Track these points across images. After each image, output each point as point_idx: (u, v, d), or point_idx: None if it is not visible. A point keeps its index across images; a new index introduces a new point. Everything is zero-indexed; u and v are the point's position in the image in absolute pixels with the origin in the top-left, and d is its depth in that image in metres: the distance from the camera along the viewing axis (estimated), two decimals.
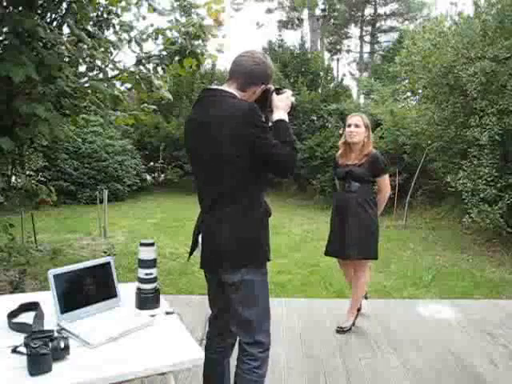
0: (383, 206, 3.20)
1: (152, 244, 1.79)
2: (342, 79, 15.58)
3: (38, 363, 1.26)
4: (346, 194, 3.10)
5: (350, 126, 3.08)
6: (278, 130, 1.68)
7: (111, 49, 4.07)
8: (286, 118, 1.73)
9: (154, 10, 3.99)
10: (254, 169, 1.65)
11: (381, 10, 23.32)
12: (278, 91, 1.77)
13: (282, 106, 1.74)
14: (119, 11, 4.17)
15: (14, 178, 4.80)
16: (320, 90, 14.48)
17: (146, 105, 4.44)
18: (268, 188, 1.80)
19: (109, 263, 1.77)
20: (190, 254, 1.86)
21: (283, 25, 23.66)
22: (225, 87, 1.73)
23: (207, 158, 1.67)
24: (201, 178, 1.78)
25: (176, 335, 1.57)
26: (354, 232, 3.01)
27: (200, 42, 4.00)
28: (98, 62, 3.95)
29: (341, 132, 3.27)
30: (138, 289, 1.78)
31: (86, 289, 1.69)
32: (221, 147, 1.62)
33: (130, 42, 4.08)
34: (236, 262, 1.67)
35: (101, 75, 3.95)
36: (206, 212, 1.76)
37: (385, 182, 3.12)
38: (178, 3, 4.08)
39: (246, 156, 1.61)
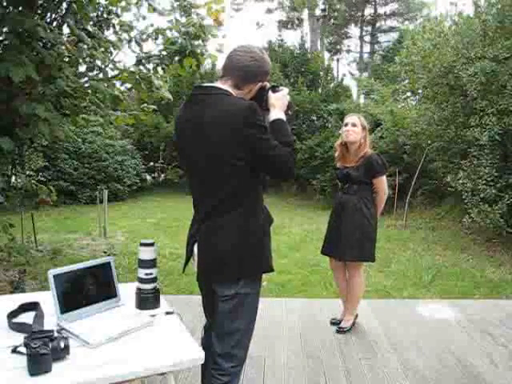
0: (382, 207, 3.17)
1: (152, 244, 1.78)
2: (342, 79, 15.58)
3: (38, 363, 1.26)
4: (344, 195, 3.12)
5: (346, 125, 3.09)
6: (276, 129, 1.59)
7: (111, 49, 4.08)
8: (283, 116, 1.63)
9: (154, 9, 4.00)
10: (255, 171, 1.56)
11: (381, 10, 23.38)
12: (274, 89, 1.68)
13: (278, 104, 1.64)
14: (119, 11, 4.18)
15: (13, 177, 4.81)
16: (320, 90, 14.49)
17: (145, 105, 4.44)
18: (267, 189, 1.74)
19: (109, 263, 1.77)
20: (185, 265, 1.77)
21: (283, 25, 23.67)
22: (219, 84, 1.60)
23: (204, 160, 1.56)
24: (196, 182, 1.66)
25: (176, 335, 1.57)
26: (349, 233, 3.02)
27: (200, 41, 4.00)
28: (98, 62, 3.96)
29: (340, 132, 3.25)
30: (138, 289, 1.78)
31: (86, 289, 1.69)
32: (219, 148, 1.52)
33: (130, 42, 4.09)
34: (234, 275, 1.58)
35: (101, 75, 3.96)
36: (202, 219, 1.63)
37: (381, 183, 3.06)
38: (178, 3, 4.08)
39: (246, 157, 1.51)
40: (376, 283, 4.74)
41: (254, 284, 1.64)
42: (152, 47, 4.14)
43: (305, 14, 22.96)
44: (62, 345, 1.34)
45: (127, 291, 1.82)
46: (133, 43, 4.07)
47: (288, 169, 1.57)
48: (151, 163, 14.11)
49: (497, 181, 6.26)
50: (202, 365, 1.54)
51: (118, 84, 4.14)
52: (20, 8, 3.38)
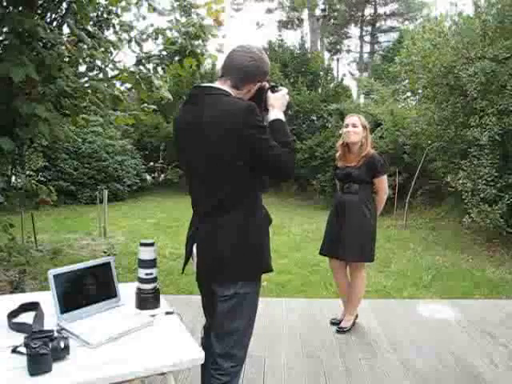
0: (382, 207, 3.19)
1: (152, 244, 1.78)
2: (342, 79, 15.57)
3: (38, 363, 1.26)
4: (345, 195, 3.11)
5: (347, 125, 3.09)
6: (275, 130, 1.58)
7: (111, 49, 4.08)
8: (282, 117, 1.63)
9: (154, 9, 4.00)
10: (254, 171, 1.56)
11: (381, 10, 23.36)
12: (274, 89, 1.68)
13: (277, 104, 1.65)
14: (119, 11, 4.18)
15: (13, 177, 4.80)
16: (320, 90, 14.49)
17: (145, 105, 4.44)
18: (267, 189, 1.74)
19: (109, 263, 1.77)
20: (184, 265, 1.77)
21: (283, 25, 23.69)
22: (218, 84, 1.61)
23: (203, 160, 1.56)
24: (196, 182, 1.66)
25: (176, 335, 1.57)
26: (350, 233, 3.02)
27: (200, 41, 4.01)
28: (98, 62, 3.96)
29: (341, 132, 3.25)
30: (138, 289, 1.78)
31: (86, 289, 1.69)
32: (218, 149, 1.52)
33: (130, 41, 4.09)
34: (233, 276, 1.58)
35: (101, 75, 3.96)
36: (201, 219, 1.63)
37: (382, 183, 3.08)
38: (178, 3, 4.09)
39: (245, 158, 1.51)
40: (376, 283, 4.74)
41: (254, 284, 1.64)
42: (152, 47, 4.16)
43: (305, 13, 22.98)
44: (62, 345, 1.34)
45: (127, 291, 1.81)
46: (133, 43, 4.08)
47: (287, 169, 1.57)
48: (151, 163, 14.11)
49: (497, 181, 6.26)
50: (202, 365, 1.54)
51: (118, 84, 4.15)
52: (20, 8, 3.38)
